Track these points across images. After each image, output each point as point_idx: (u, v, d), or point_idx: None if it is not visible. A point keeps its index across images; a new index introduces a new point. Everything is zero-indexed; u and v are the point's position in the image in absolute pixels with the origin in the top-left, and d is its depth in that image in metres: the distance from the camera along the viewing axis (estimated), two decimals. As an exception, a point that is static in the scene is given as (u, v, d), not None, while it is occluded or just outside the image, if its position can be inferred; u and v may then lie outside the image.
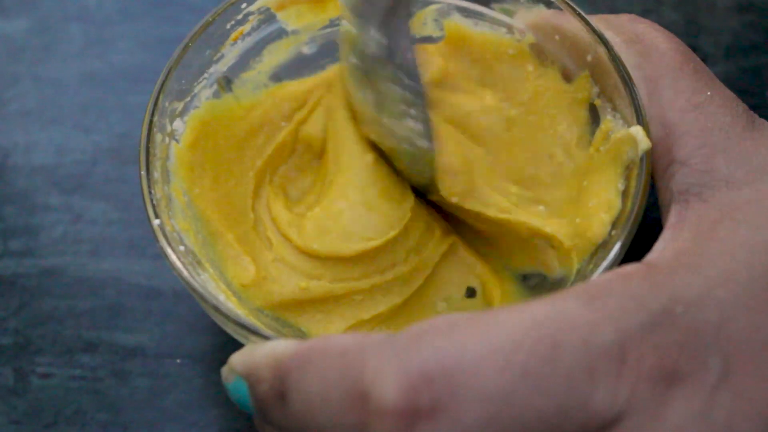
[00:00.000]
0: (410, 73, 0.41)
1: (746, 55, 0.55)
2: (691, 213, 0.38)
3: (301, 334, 0.43)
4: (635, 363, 0.33)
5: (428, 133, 0.41)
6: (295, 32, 0.47)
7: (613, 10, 0.49)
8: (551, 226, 0.43)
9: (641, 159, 0.40)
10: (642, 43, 0.42)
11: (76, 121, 0.54)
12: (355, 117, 0.45)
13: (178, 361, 0.47)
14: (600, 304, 0.34)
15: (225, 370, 0.37)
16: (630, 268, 0.36)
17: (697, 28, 0.55)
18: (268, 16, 0.46)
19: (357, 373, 0.34)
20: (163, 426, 0.46)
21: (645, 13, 0.46)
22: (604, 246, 0.40)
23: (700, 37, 0.54)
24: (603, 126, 0.43)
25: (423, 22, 0.47)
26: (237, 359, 0.37)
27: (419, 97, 0.41)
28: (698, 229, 0.37)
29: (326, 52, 0.47)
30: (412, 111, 0.41)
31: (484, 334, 0.34)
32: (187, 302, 0.48)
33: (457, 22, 0.46)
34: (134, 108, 0.54)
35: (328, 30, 0.47)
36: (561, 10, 0.43)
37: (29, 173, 0.53)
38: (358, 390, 0.33)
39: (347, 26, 0.41)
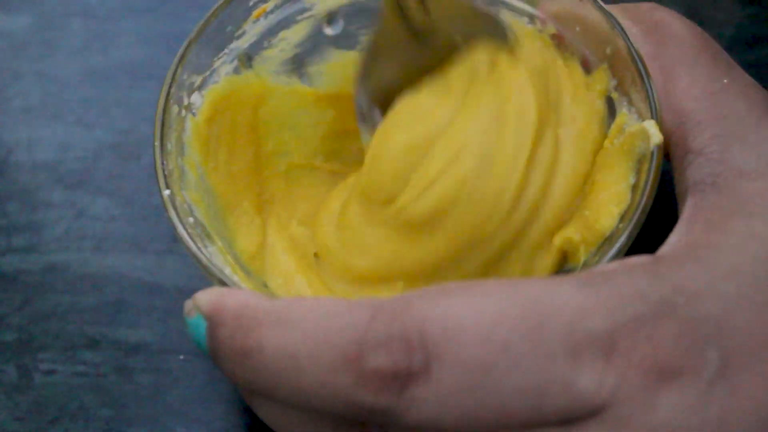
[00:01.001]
0: None
1: (750, 48, 0.54)
2: (705, 204, 0.37)
3: None
4: (626, 352, 0.33)
5: None
6: (318, 12, 0.47)
7: (618, 1, 0.48)
8: None
9: (652, 153, 0.40)
10: (660, 32, 0.42)
11: (78, 117, 0.54)
12: None
13: (181, 357, 0.47)
14: (595, 290, 0.34)
15: (188, 304, 0.37)
16: (637, 259, 0.36)
17: (700, 21, 0.55)
18: None
19: (351, 333, 0.33)
20: (166, 422, 0.46)
21: (648, 6, 0.46)
22: (610, 239, 0.40)
23: (703, 29, 0.54)
24: (618, 119, 0.42)
25: None
26: (203, 297, 0.36)
27: None
28: (711, 221, 0.37)
29: (349, 32, 0.47)
30: None
31: (473, 305, 0.34)
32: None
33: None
34: (137, 104, 0.54)
35: (349, 10, 0.47)
36: (582, 0, 0.43)
37: (32, 169, 0.53)
38: (352, 351, 0.33)
39: None
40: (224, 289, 0.37)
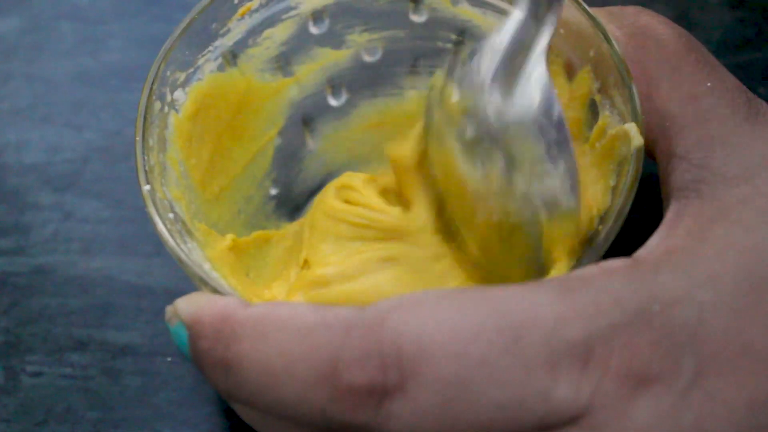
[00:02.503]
0: (554, 119, 0.39)
1: (738, 51, 0.55)
2: (688, 210, 0.37)
3: None
4: (601, 361, 0.33)
5: (575, 188, 0.39)
6: (303, 11, 0.47)
7: (607, 4, 0.48)
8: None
9: (633, 155, 0.40)
10: (644, 35, 0.41)
11: (67, 119, 0.54)
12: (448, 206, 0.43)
13: (169, 359, 0.47)
14: (572, 298, 0.34)
15: (169, 311, 0.37)
16: (615, 263, 0.36)
17: (689, 24, 0.55)
18: None
19: (326, 350, 0.33)
20: (154, 424, 0.46)
21: (637, 9, 0.46)
22: (589, 240, 0.40)
23: (692, 33, 0.54)
24: (600, 121, 0.43)
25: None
26: (182, 305, 0.36)
27: (565, 145, 0.39)
28: (692, 228, 0.37)
29: (334, 31, 0.47)
30: (560, 164, 0.39)
31: (448, 318, 0.33)
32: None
33: (469, 11, 0.46)
34: (126, 106, 0.54)
35: (335, 9, 0.47)
36: (566, 3, 0.43)
37: (20, 171, 0.53)
38: (328, 368, 0.33)
39: (454, 98, 0.40)
40: (202, 299, 0.36)
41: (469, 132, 0.40)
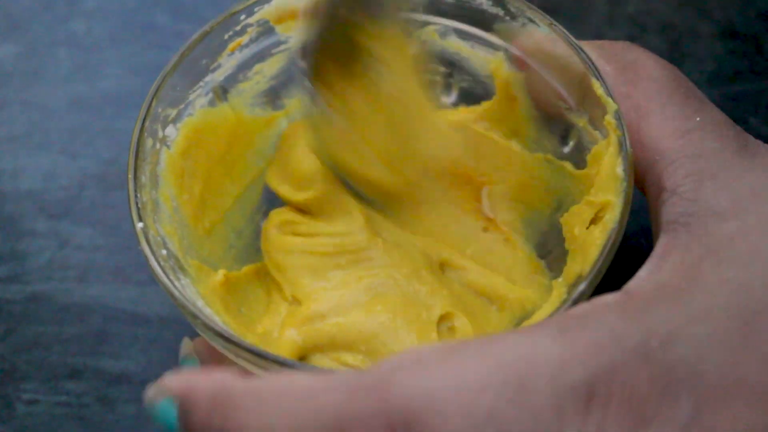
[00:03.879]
0: None
1: (730, 82, 0.55)
2: (677, 244, 0.38)
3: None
4: (603, 399, 0.33)
5: None
6: (293, 45, 0.47)
7: (599, 36, 0.49)
8: None
9: (621, 191, 0.40)
10: (634, 70, 0.42)
11: (63, 146, 0.54)
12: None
13: (164, 387, 0.47)
14: (571, 340, 0.34)
15: (153, 390, 0.35)
16: (608, 298, 0.36)
17: (681, 55, 0.56)
18: (266, 29, 0.46)
19: (332, 414, 0.33)
20: (148, 452, 0.46)
21: (629, 40, 0.46)
22: (580, 276, 0.40)
23: (684, 64, 0.55)
24: (594, 150, 0.43)
25: (422, 42, 0.47)
26: (173, 380, 0.35)
27: None
28: (682, 263, 0.37)
29: None
30: None
31: (453, 376, 0.34)
32: (173, 328, 0.48)
33: (457, 44, 0.47)
34: (121, 134, 0.54)
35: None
36: (555, 37, 0.44)
37: (16, 198, 0.53)
38: (334, 429, 0.33)
39: None
40: (194, 371, 0.36)
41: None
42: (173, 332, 0.48)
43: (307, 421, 0.33)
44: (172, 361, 0.47)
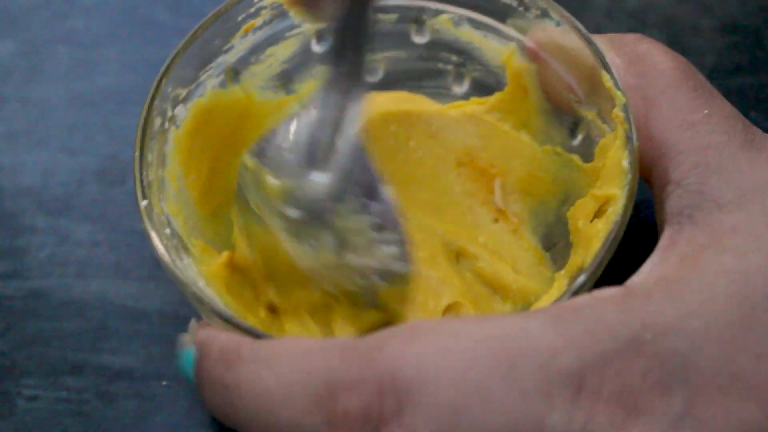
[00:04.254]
0: (374, 192, 0.40)
1: (730, 76, 0.55)
2: (681, 236, 0.38)
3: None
4: (594, 390, 0.33)
5: (406, 254, 0.41)
6: (307, 29, 0.47)
7: (599, 31, 0.49)
8: None
9: (625, 182, 0.40)
10: (643, 62, 0.42)
11: (62, 142, 0.54)
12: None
13: (164, 383, 0.47)
14: (566, 328, 0.34)
15: (184, 336, 0.38)
16: (607, 291, 0.36)
17: (682, 49, 0.55)
18: (280, 12, 0.46)
19: (323, 375, 0.34)
20: (149, 448, 0.46)
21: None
22: (581, 269, 0.40)
23: (685, 58, 0.55)
24: (601, 143, 0.43)
25: (433, 30, 0.47)
26: (200, 332, 0.38)
27: (390, 215, 0.40)
28: (684, 255, 0.37)
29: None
30: (385, 234, 0.40)
31: (445, 346, 0.34)
32: (174, 324, 0.48)
33: (470, 33, 0.46)
34: (121, 130, 0.54)
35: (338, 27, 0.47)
36: (568, 30, 0.44)
37: (15, 195, 0.53)
38: (324, 392, 0.34)
39: (272, 183, 0.40)
40: (217, 330, 0.38)
41: (293, 215, 0.40)
42: (174, 328, 0.48)
43: (299, 383, 0.34)
44: (172, 356, 0.47)
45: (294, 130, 0.41)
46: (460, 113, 0.47)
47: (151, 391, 0.47)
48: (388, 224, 0.40)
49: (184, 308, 0.39)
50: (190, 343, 0.38)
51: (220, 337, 0.37)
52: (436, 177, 0.46)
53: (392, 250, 0.41)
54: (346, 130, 0.40)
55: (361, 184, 0.40)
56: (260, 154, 0.41)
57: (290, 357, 0.35)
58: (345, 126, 0.40)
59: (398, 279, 0.41)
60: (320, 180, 0.40)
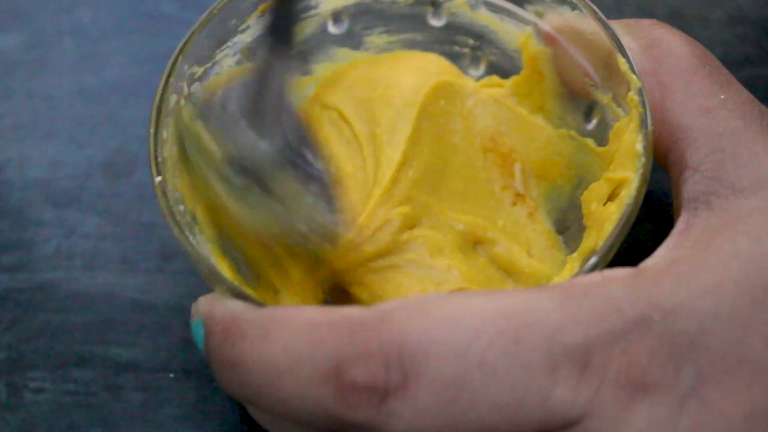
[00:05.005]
0: (304, 152, 0.40)
1: (739, 68, 0.55)
2: (696, 221, 0.38)
3: None
4: (600, 367, 0.33)
5: (333, 211, 0.41)
6: (323, 11, 0.47)
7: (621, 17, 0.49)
8: None
9: (639, 165, 0.40)
10: (659, 47, 0.42)
11: (69, 135, 0.54)
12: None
13: (172, 375, 0.47)
14: (573, 305, 0.34)
15: (192, 308, 0.38)
16: (618, 272, 0.36)
17: (690, 41, 0.55)
18: None
19: (330, 348, 0.34)
20: (156, 440, 0.46)
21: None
22: (594, 249, 0.40)
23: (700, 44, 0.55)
24: (616, 126, 0.43)
25: (449, 14, 0.47)
26: (201, 303, 0.38)
27: (320, 178, 0.41)
28: (699, 238, 0.37)
29: (353, 32, 0.47)
30: (314, 194, 0.41)
31: (450, 319, 0.34)
32: (181, 316, 0.48)
33: (487, 16, 0.46)
34: (128, 123, 0.54)
35: (355, 10, 0.47)
36: (584, 14, 0.43)
37: (22, 188, 0.53)
38: (331, 364, 0.34)
39: (212, 147, 0.40)
40: (216, 298, 0.38)
41: (237, 181, 0.40)
42: (181, 320, 0.48)
43: (306, 356, 0.34)
44: (179, 348, 0.48)
45: (237, 95, 0.40)
46: (486, 95, 0.47)
47: (158, 384, 0.47)
48: (316, 183, 0.41)
49: (191, 300, 0.39)
50: (196, 314, 0.38)
51: (221, 309, 0.37)
52: (466, 165, 0.46)
53: (322, 206, 0.41)
54: (281, 95, 0.40)
55: (295, 147, 0.40)
56: (203, 116, 0.41)
57: (295, 330, 0.35)
58: (279, 90, 0.40)
59: (330, 234, 0.41)
60: (262, 146, 0.40)
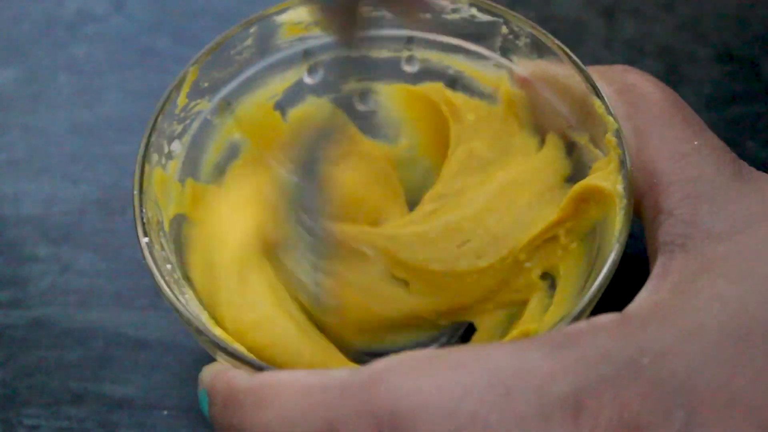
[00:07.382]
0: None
1: (727, 106, 0.55)
2: (674, 264, 0.38)
3: None
4: (593, 412, 0.34)
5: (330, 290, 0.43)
6: (298, 65, 0.47)
7: (596, 60, 0.49)
8: None
9: (621, 209, 0.40)
10: (633, 93, 0.42)
11: (64, 171, 0.54)
12: None
13: (165, 412, 0.47)
14: (562, 354, 0.35)
15: (199, 376, 0.40)
16: (603, 318, 0.36)
17: (679, 78, 0.56)
18: (271, 46, 0.46)
19: (323, 410, 0.35)
20: (150, 477, 0.46)
21: (627, 64, 0.46)
22: (577, 297, 0.41)
23: (682, 87, 0.55)
24: (594, 168, 0.43)
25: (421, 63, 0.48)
26: (205, 374, 0.39)
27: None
28: (678, 282, 0.37)
29: (328, 82, 0.48)
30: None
31: (440, 379, 0.34)
32: (175, 353, 0.48)
33: (460, 62, 0.47)
34: (122, 158, 0.54)
35: (331, 61, 0.48)
36: (560, 59, 0.44)
37: (17, 223, 0.53)
38: (324, 427, 0.35)
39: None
40: (216, 369, 0.39)
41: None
42: (175, 357, 0.48)
43: (300, 420, 0.35)
44: (173, 385, 0.48)
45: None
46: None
47: (152, 421, 0.47)
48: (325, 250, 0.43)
49: (185, 338, 0.39)
50: (201, 384, 0.39)
51: (217, 384, 0.38)
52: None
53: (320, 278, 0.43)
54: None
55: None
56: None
57: (289, 395, 0.36)
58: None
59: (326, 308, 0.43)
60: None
